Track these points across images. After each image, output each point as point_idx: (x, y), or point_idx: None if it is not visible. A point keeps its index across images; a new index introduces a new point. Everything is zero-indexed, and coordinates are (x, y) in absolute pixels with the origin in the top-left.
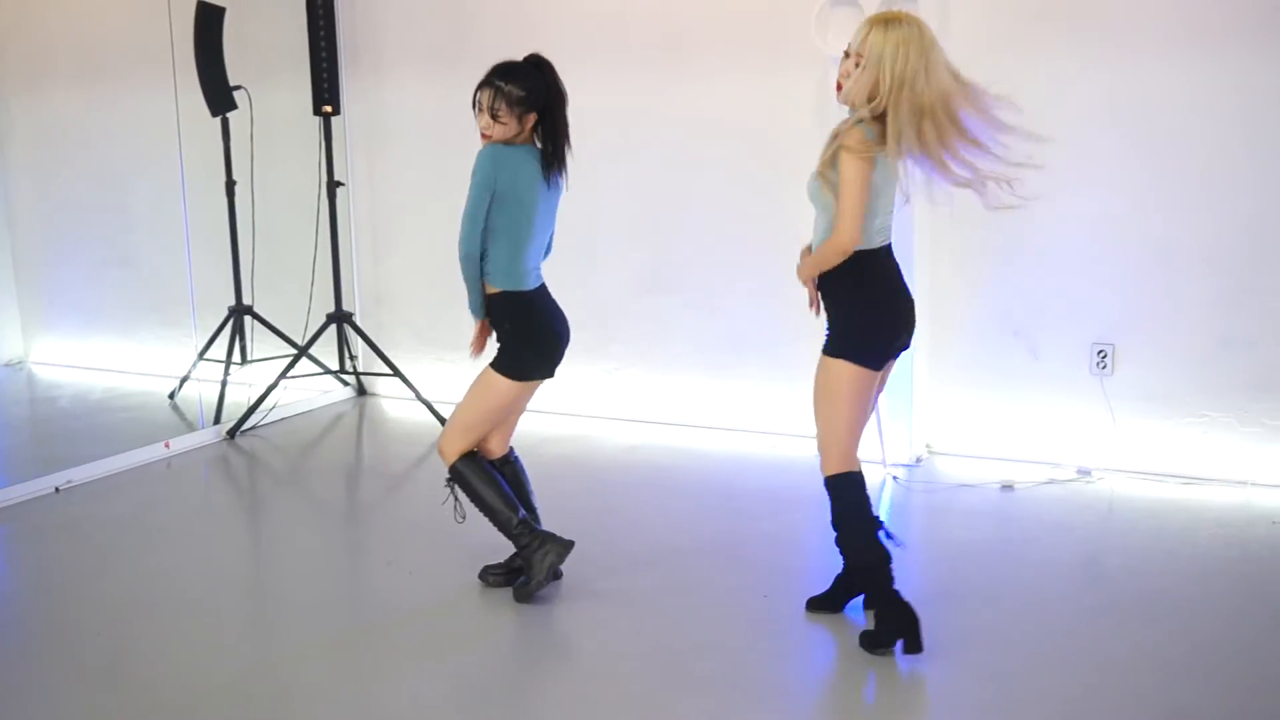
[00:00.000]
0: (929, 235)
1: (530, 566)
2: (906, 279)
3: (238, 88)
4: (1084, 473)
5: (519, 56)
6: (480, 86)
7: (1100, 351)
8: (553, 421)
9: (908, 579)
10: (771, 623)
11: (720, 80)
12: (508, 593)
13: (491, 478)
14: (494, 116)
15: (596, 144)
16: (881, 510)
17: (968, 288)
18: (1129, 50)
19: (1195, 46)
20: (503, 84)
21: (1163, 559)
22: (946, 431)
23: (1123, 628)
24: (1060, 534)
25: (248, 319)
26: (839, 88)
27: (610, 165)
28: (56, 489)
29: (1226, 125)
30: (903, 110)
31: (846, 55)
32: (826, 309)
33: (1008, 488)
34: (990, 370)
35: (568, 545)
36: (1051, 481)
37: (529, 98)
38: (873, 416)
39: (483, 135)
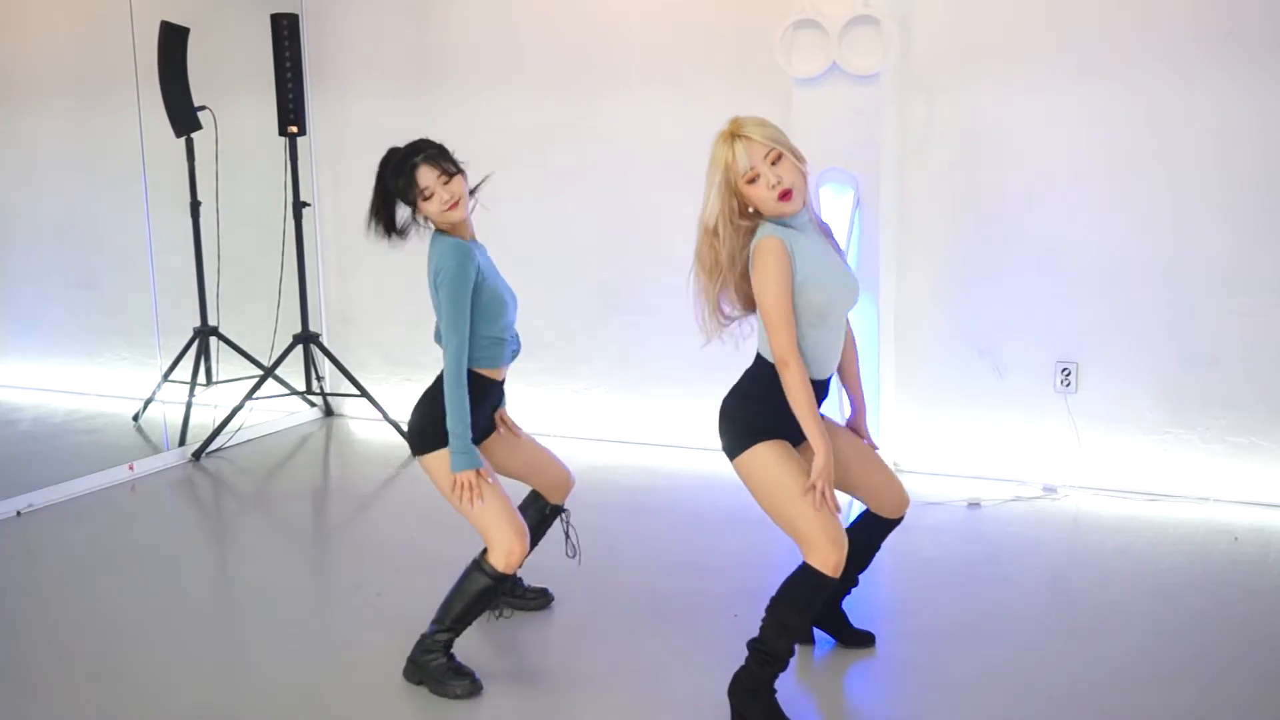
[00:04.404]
0: (895, 255)
1: (434, 680)
2: (873, 297)
3: (202, 108)
4: (1050, 490)
5: (485, 78)
6: (413, 172)
7: (1064, 370)
8: None
9: (875, 597)
10: (741, 642)
11: (685, 102)
12: None
13: (483, 608)
14: (449, 175)
15: (563, 165)
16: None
17: (934, 307)
18: (1092, 74)
19: (1155, 71)
20: (427, 150)
21: (1127, 575)
22: (913, 450)
23: (1088, 643)
24: (1027, 551)
25: (213, 340)
26: (789, 195)
27: (576, 186)
28: (18, 513)
29: (1187, 148)
30: None
31: (770, 162)
32: (734, 413)
33: (974, 505)
34: (956, 389)
35: (472, 689)
36: (1018, 499)
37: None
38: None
39: (451, 206)
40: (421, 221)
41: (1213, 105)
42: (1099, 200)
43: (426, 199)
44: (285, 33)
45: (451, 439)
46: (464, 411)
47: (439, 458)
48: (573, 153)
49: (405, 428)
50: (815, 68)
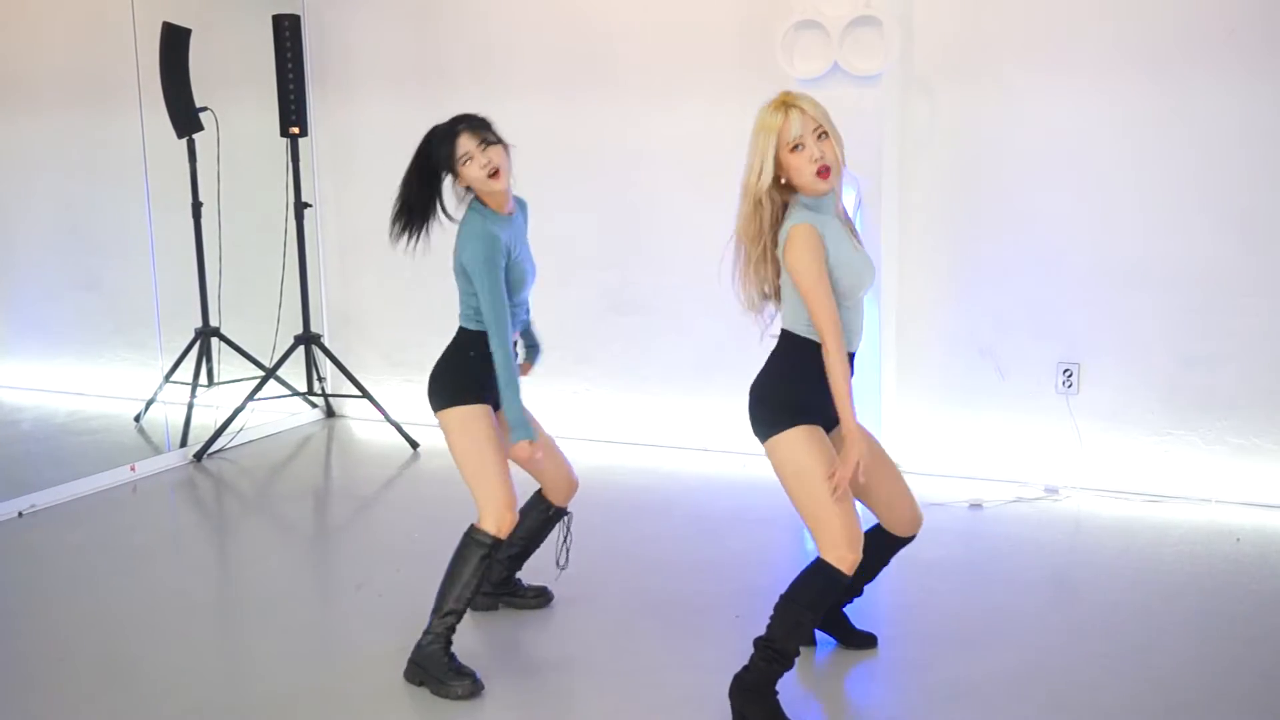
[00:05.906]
0: (896, 255)
1: (435, 680)
2: (875, 298)
3: (204, 109)
4: (1051, 491)
5: (486, 79)
6: (454, 139)
7: (1066, 370)
8: None
9: (877, 598)
10: (743, 642)
11: (688, 102)
12: (475, 614)
13: (481, 580)
14: (488, 143)
15: (564, 166)
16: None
17: (935, 307)
18: (1093, 74)
19: (1157, 71)
20: (470, 119)
21: (1129, 576)
22: (915, 450)
23: (1090, 644)
24: (1028, 552)
25: (215, 341)
26: (828, 173)
27: (578, 187)
28: (20, 513)
29: (1189, 148)
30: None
31: (818, 137)
32: (763, 393)
33: (976, 506)
34: (958, 389)
35: (473, 690)
36: (1019, 500)
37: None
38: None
39: (492, 174)
40: (461, 193)
41: (1214, 105)
42: (1101, 201)
43: (465, 164)
44: (287, 34)
45: (507, 413)
46: (516, 386)
47: (451, 415)
48: (574, 154)
49: (427, 391)
50: (817, 68)
